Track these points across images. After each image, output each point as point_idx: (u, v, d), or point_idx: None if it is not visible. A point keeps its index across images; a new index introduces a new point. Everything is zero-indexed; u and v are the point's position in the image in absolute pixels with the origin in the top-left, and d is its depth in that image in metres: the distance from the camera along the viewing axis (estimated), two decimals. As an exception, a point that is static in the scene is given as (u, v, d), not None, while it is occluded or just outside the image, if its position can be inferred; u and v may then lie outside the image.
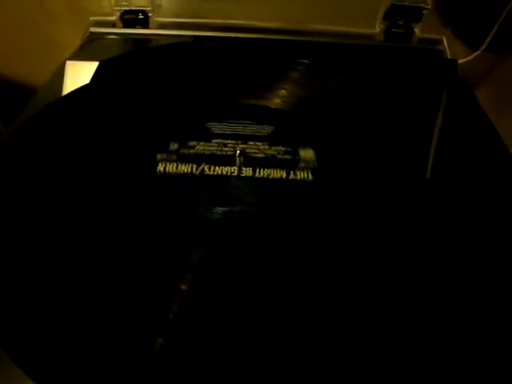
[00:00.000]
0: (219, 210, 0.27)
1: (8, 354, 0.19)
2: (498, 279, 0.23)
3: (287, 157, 0.31)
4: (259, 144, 0.31)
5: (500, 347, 0.20)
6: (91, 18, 0.44)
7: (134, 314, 0.22)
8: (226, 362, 0.20)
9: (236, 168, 0.30)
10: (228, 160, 0.30)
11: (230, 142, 0.31)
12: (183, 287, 0.23)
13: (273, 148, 0.31)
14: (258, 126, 0.33)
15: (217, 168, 0.30)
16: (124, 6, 0.43)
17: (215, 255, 0.25)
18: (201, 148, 0.31)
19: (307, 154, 0.31)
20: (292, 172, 0.30)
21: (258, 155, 0.31)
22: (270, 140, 0.32)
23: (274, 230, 0.26)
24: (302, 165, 0.30)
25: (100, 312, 0.22)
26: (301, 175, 0.30)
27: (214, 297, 0.23)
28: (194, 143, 0.31)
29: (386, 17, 0.44)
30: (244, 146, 0.31)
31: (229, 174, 0.29)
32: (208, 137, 0.32)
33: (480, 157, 0.31)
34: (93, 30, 0.43)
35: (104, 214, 0.27)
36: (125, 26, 0.44)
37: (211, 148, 0.31)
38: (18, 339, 0.20)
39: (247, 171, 0.29)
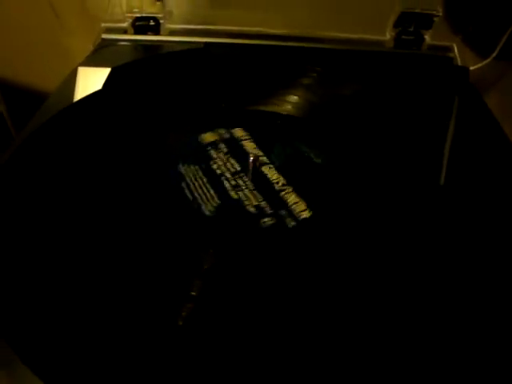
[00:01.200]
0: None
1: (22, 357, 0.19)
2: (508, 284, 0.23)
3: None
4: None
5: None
6: (103, 25, 0.44)
7: (144, 319, 0.22)
8: (234, 366, 0.20)
9: (249, 174, 0.29)
10: (241, 167, 0.30)
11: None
12: (193, 293, 0.23)
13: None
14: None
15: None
16: (136, 12, 0.43)
17: (225, 260, 0.25)
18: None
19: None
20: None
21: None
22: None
23: (284, 236, 0.26)
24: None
25: (111, 317, 0.22)
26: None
27: (223, 302, 0.23)
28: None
29: (396, 24, 0.44)
30: (256, 152, 0.31)
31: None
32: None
33: (491, 164, 0.31)
34: (104, 36, 0.44)
35: (115, 219, 0.27)
36: (136, 33, 0.44)
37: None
38: (30, 339, 0.20)
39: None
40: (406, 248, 0.25)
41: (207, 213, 0.27)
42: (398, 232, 0.26)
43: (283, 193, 0.29)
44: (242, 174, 0.30)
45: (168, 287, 0.23)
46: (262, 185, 0.29)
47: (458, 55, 0.44)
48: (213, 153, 0.31)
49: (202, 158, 0.31)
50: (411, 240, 0.26)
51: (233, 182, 0.29)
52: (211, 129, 0.33)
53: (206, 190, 0.29)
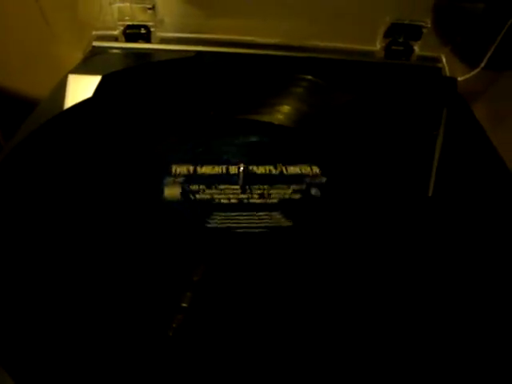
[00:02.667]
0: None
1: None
2: (496, 295, 0.23)
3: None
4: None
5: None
6: (94, 33, 0.44)
7: (134, 329, 0.22)
8: (225, 377, 0.20)
9: (239, 186, 0.30)
10: (232, 178, 0.30)
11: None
12: (183, 304, 0.23)
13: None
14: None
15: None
16: (127, 20, 0.43)
17: (216, 273, 0.25)
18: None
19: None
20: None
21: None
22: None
23: (279, 247, 0.26)
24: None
25: (101, 328, 0.22)
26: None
27: (214, 314, 0.23)
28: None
29: (386, 35, 0.44)
30: (247, 163, 0.31)
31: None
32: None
33: (479, 175, 0.31)
34: (95, 44, 0.44)
35: (105, 230, 0.26)
36: (127, 41, 0.44)
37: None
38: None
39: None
40: (396, 258, 0.25)
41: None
42: (387, 242, 0.26)
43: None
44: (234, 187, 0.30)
45: (158, 299, 0.23)
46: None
47: (446, 66, 0.45)
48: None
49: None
50: (400, 250, 0.26)
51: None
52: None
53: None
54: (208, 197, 0.29)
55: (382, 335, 0.22)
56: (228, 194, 0.29)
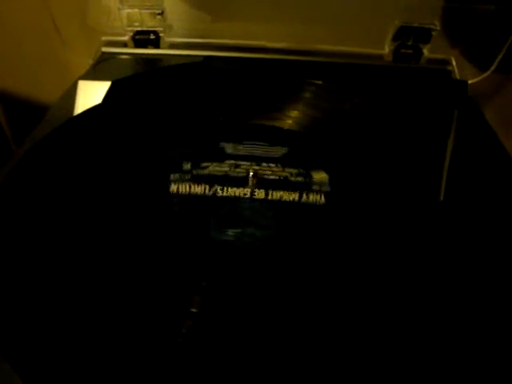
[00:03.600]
0: (231, 232, 0.27)
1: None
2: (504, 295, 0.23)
3: (300, 179, 0.31)
4: (272, 166, 0.31)
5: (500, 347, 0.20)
6: (103, 38, 0.45)
7: (144, 335, 0.22)
8: (234, 380, 0.20)
9: (249, 190, 0.29)
10: (241, 181, 0.30)
11: (242, 163, 0.31)
12: (192, 309, 0.23)
13: (286, 170, 0.31)
14: (270, 147, 0.33)
15: (229, 189, 0.30)
16: (136, 26, 0.44)
17: (225, 278, 0.25)
18: (213, 169, 0.31)
19: (320, 176, 0.31)
20: (305, 194, 0.30)
21: (270, 177, 0.31)
22: (283, 162, 0.32)
23: (285, 253, 0.26)
24: (315, 187, 0.30)
25: (111, 331, 0.22)
26: (314, 198, 0.30)
27: (223, 318, 0.23)
28: (207, 164, 0.31)
29: (395, 38, 0.44)
30: (257, 167, 0.31)
31: (241, 195, 0.29)
32: (221, 158, 0.32)
33: (490, 178, 0.31)
34: (104, 49, 0.44)
35: (115, 235, 0.27)
36: (136, 46, 0.44)
37: (224, 169, 0.31)
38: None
39: (259, 193, 0.29)
40: (405, 262, 0.25)
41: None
42: (397, 246, 0.26)
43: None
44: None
45: (167, 304, 0.23)
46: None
47: (456, 69, 0.45)
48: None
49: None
50: (410, 254, 0.26)
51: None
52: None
53: None
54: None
55: (386, 336, 0.22)
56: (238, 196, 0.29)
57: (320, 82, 0.37)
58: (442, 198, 0.29)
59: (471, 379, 0.20)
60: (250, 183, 0.29)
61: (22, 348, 0.21)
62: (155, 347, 0.21)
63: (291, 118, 0.35)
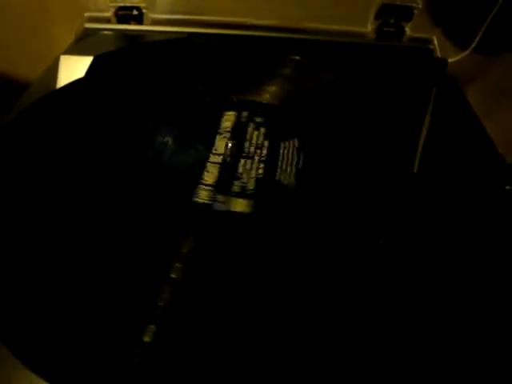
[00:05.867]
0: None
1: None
2: (478, 275, 0.24)
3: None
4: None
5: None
6: (86, 14, 0.44)
7: (125, 302, 0.22)
8: (217, 348, 0.21)
9: (228, 157, 0.30)
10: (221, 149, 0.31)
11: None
12: (173, 276, 0.23)
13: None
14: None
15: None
16: (119, 1, 0.43)
17: (207, 243, 0.25)
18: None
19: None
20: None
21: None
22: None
23: (266, 222, 0.27)
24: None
25: (90, 301, 0.22)
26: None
27: (205, 285, 0.23)
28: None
29: (377, 16, 0.44)
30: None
31: (221, 161, 0.30)
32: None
33: (468, 154, 0.31)
34: (87, 25, 0.44)
35: (95, 205, 0.27)
36: (119, 22, 0.44)
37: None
38: (18, 333, 0.20)
39: (241, 162, 0.30)
40: (380, 233, 0.26)
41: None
42: (371, 217, 0.27)
43: None
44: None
45: (149, 270, 0.24)
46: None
47: (438, 47, 0.45)
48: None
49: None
50: (384, 225, 0.26)
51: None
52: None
53: None
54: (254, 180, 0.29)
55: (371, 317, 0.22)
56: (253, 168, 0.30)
57: (298, 58, 0.37)
58: (416, 169, 0.30)
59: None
60: (229, 151, 0.30)
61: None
62: (136, 313, 0.22)
63: (269, 93, 0.35)
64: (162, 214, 0.27)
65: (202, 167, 0.30)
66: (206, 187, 0.29)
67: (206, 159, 0.31)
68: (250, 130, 0.33)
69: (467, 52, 0.45)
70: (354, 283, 0.24)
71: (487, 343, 0.21)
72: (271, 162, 0.30)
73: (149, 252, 0.25)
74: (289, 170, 0.30)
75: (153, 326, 0.21)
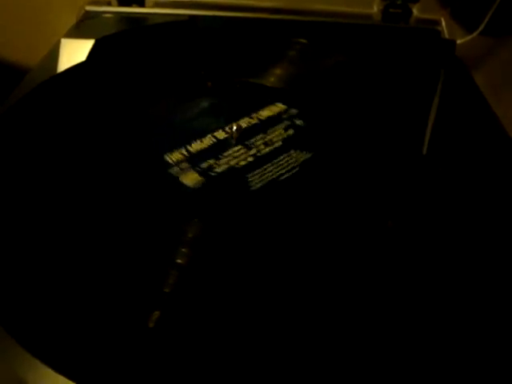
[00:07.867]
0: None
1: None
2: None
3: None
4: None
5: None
6: (87, -4, 0.44)
7: (130, 288, 0.22)
8: (223, 334, 0.21)
9: (233, 141, 0.30)
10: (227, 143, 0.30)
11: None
12: (179, 261, 0.23)
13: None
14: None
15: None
16: (120, -16, 0.43)
17: (212, 229, 0.25)
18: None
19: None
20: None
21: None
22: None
23: (271, 206, 0.26)
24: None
25: (95, 288, 0.22)
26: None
27: (211, 271, 0.23)
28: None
29: (384, -3, 0.44)
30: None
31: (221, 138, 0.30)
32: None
33: (475, 135, 0.31)
34: (88, 8, 0.43)
35: (98, 190, 0.27)
36: (120, 5, 0.43)
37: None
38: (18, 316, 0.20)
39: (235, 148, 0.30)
40: (388, 216, 0.25)
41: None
42: (380, 199, 0.26)
43: None
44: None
45: (154, 255, 0.23)
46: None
47: (445, 29, 0.44)
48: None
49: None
50: (393, 207, 0.26)
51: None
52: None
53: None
54: (226, 166, 0.28)
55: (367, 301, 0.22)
56: (238, 157, 0.29)
57: (304, 41, 0.37)
58: (425, 151, 0.29)
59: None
60: (234, 136, 0.30)
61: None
62: (141, 298, 0.22)
63: (274, 76, 0.35)
64: (167, 199, 0.27)
65: (200, 135, 0.30)
66: (184, 151, 0.29)
67: (211, 130, 0.30)
68: (279, 126, 0.31)
69: (475, 34, 0.44)
70: (363, 265, 0.23)
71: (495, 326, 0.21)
72: (261, 161, 0.29)
73: (154, 237, 0.24)
74: (271, 176, 0.28)
75: (157, 312, 0.21)
